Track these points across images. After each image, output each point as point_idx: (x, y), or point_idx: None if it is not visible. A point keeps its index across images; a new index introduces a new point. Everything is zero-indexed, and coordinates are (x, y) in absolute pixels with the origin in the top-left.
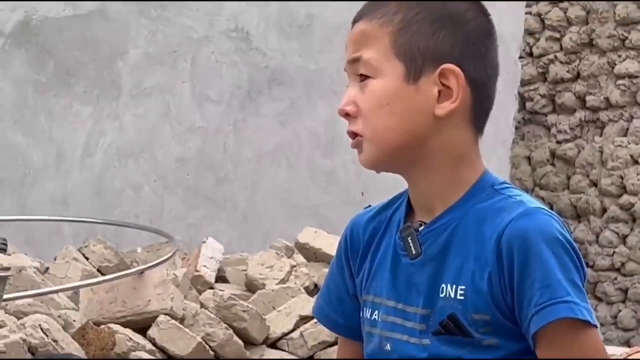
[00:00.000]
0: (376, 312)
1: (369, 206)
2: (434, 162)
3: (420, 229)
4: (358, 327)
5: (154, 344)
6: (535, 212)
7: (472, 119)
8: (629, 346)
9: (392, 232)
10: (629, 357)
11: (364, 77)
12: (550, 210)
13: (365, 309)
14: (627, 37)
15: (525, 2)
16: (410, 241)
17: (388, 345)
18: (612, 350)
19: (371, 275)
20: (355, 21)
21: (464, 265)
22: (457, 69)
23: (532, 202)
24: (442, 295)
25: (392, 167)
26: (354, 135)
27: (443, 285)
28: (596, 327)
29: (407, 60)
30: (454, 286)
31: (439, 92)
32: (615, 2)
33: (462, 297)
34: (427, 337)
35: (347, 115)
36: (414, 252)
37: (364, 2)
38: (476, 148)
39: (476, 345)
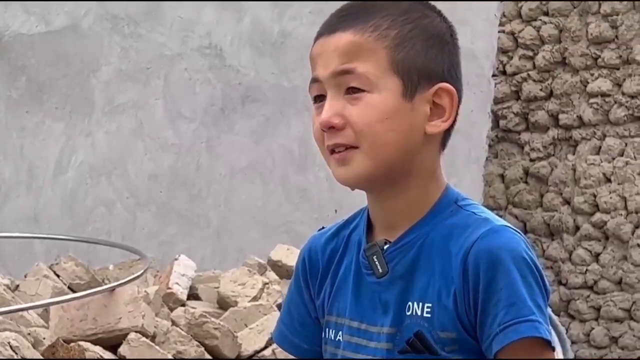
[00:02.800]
0: (340, 332)
1: (323, 227)
2: (411, 180)
3: (385, 247)
4: (320, 351)
5: None
6: (502, 231)
7: (443, 137)
8: None
9: (351, 252)
10: None
11: (355, 90)
12: (516, 229)
13: (328, 329)
14: (599, 56)
15: (498, 21)
16: (376, 260)
17: None
18: None
19: (332, 295)
20: (331, 32)
21: (431, 282)
22: (453, 89)
23: (498, 219)
24: (408, 313)
25: (376, 184)
26: (338, 147)
27: (410, 303)
28: (554, 350)
29: (404, 77)
30: (421, 304)
31: (430, 109)
32: (587, 21)
33: (428, 315)
34: (393, 355)
35: (331, 128)
36: (380, 270)
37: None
38: (439, 164)
39: None
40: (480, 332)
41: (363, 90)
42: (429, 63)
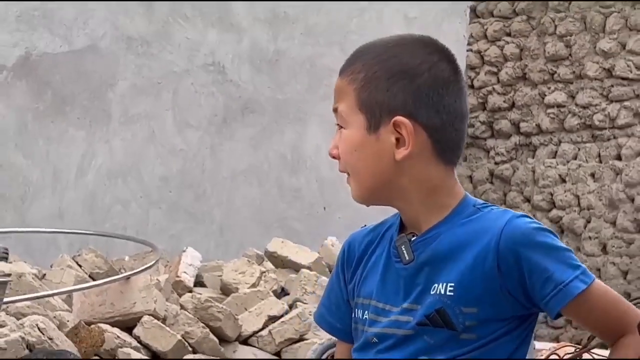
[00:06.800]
0: (366, 311)
1: (365, 226)
2: (410, 196)
3: (412, 239)
4: (351, 330)
5: (139, 341)
6: (522, 216)
7: (438, 155)
8: (558, 341)
9: (384, 245)
10: (555, 351)
11: (340, 126)
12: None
13: (357, 310)
14: (555, 72)
15: (466, 41)
16: (404, 249)
17: (375, 338)
18: (542, 345)
19: (362, 280)
20: (338, 75)
21: (454, 265)
22: (406, 120)
23: (513, 210)
24: (432, 293)
25: (376, 202)
26: (342, 172)
27: (435, 284)
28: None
29: (367, 114)
30: (445, 284)
31: (397, 139)
32: (545, 41)
33: (451, 293)
34: (411, 327)
35: (334, 157)
36: (407, 258)
37: (323, 42)
38: (451, 177)
39: (455, 337)
40: (540, 294)
41: (342, 127)
42: (389, 99)
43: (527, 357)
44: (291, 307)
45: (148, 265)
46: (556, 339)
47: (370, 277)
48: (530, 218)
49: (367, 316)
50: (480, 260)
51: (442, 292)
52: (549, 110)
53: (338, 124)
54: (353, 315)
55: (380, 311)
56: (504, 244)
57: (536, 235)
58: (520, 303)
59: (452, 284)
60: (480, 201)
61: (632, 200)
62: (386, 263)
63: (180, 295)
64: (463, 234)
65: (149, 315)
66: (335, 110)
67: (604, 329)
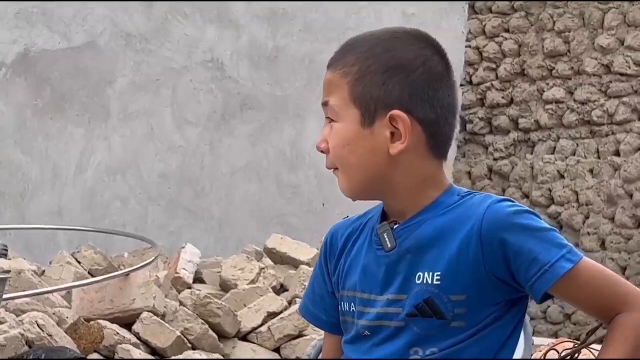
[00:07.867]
0: (353, 304)
1: (347, 217)
2: (399, 189)
3: (395, 226)
4: (338, 322)
5: (138, 338)
6: (503, 200)
7: (431, 149)
8: (556, 337)
9: (364, 236)
10: (553, 347)
11: (330, 120)
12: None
13: (342, 302)
14: (554, 68)
15: (465, 37)
16: (386, 236)
17: (366, 331)
18: (540, 341)
19: (345, 272)
20: (327, 68)
21: (439, 254)
22: (403, 115)
23: (494, 195)
24: (418, 282)
25: (366, 196)
26: (331, 166)
27: (420, 273)
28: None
29: (362, 108)
30: (431, 273)
31: (392, 133)
32: (543, 37)
33: (438, 282)
34: (402, 319)
35: (322, 151)
36: (389, 245)
37: (322, 39)
38: (441, 170)
39: (445, 326)
40: (525, 275)
41: (333, 120)
42: (384, 94)
43: (525, 353)
44: (290, 303)
45: (147, 261)
46: (555, 335)
47: (353, 269)
48: (512, 201)
49: (354, 308)
50: (464, 247)
51: (429, 281)
52: (548, 106)
53: (328, 117)
54: (340, 308)
55: (366, 302)
56: (486, 230)
57: (518, 218)
58: (509, 286)
59: (439, 273)
60: (465, 190)
61: (631, 195)
62: (367, 252)
63: (179, 292)
64: (446, 221)
65: (148, 311)
66: (325, 103)
67: (596, 308)
